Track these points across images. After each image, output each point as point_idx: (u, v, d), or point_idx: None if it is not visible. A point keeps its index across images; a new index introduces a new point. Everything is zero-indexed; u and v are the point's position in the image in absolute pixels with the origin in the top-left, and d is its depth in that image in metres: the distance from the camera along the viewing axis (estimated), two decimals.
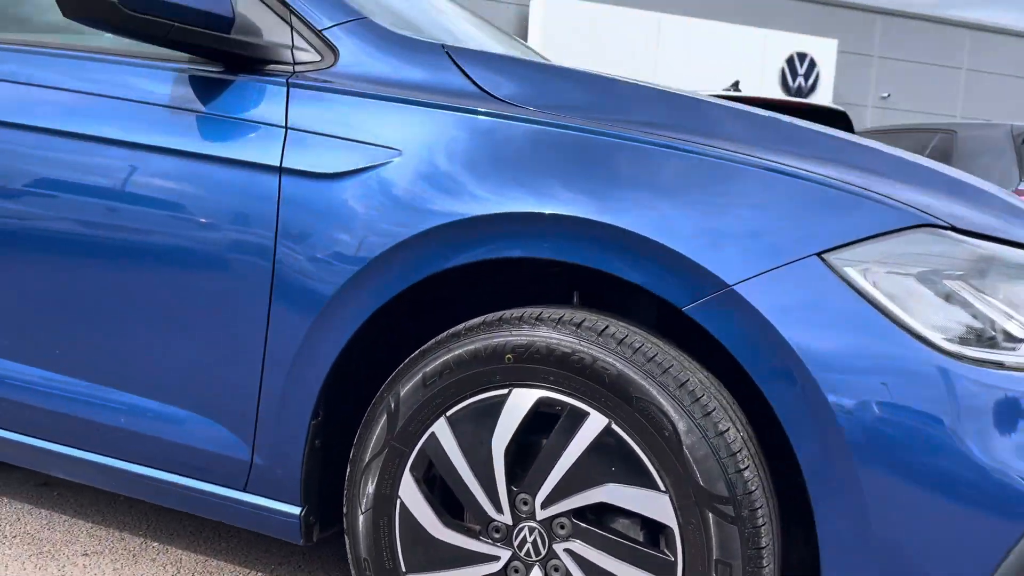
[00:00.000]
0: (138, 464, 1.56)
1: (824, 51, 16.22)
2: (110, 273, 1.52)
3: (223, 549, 1.91)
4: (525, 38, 14.84)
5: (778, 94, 15.69)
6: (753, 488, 1.17)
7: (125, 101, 1.54)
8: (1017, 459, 1.09)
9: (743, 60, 15.03)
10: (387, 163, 1.35)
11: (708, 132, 1.30)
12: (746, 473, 1.17)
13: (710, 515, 1.17)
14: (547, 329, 1.26)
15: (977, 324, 1.15)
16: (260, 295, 1.40)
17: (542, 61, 1.48)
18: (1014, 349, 1.14)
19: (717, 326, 1.18)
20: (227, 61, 1.50)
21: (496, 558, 1.31)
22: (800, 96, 15.92)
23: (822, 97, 16.21)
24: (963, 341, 1.13)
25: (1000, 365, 1.12)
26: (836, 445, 1.12)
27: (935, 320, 1.14)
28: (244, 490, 1.48)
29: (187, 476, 1.53)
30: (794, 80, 16.07)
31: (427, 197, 1.31)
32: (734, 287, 1.15)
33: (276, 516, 1.46)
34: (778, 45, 15.83)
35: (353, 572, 1.41)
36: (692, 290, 1.18)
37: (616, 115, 1.34)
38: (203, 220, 1.43)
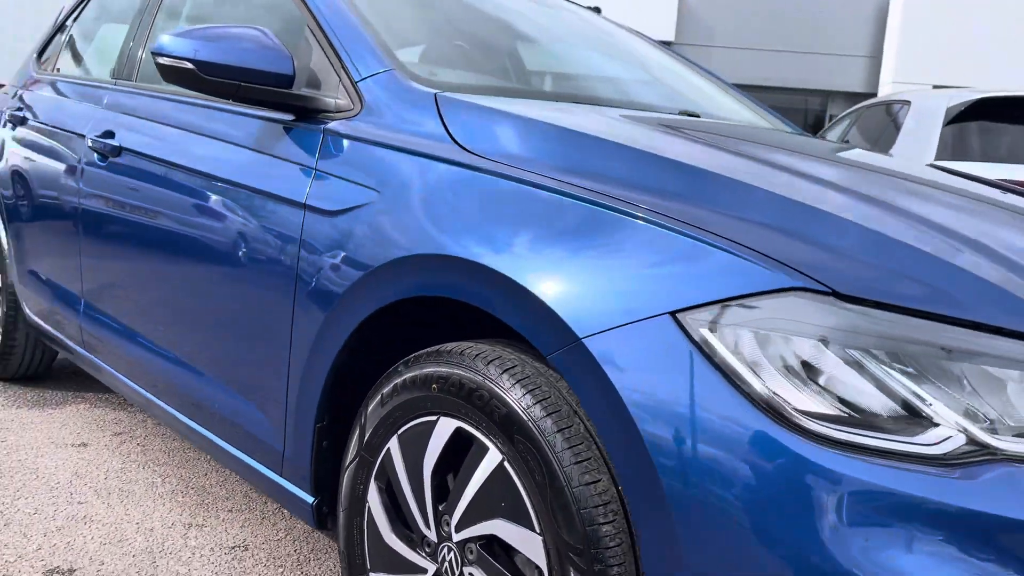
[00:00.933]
0: (223, 439, 1.91)
1: None
2: (201, 285, 1.89)
3: None
4: (883, 27, 13.68)
5: None
6: (611, 544, 1.14)
7: (231, 144, 1.90)
8: (852, 559, 0.95)
9: None
10: (368, 204, 1.51)
11: (619, 181, 1.28)
12: (605, 528, 1.15)
13: (568, 564, 1.17)
14: (465, 364, 1.33)
15: (841, 403, 1.01)
16: (287, 312, 1.65)
17: (528, 116, 1.51)
18: (878, 433, 0.99)
19: (572, 377, 1.17)
20: (293, 111, 1.77)
21: (425, 570, 1.42)
22: None
23: None
24: (820, 418, 1.00)
25: (857, 448, 0.98)
26: (660, 507, 1.07)
27: (793, 393, 1.02)
28: (280, 475, 1.75)
29: (248, 455, 1.83)
30: None
31: (382, 236, 1.46)
32: (583, 340, 1.14)
33: (297, 501, 1.70)
34: None
35: (341, 562, 1.61)
36: (553, 339, 1.19)
37: (553, 163, 1.36)
38: (261, 250, 1.72)
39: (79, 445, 2.67)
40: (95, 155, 2.38)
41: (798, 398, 1.01)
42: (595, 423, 1.16)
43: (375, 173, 1.54)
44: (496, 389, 1.27)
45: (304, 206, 1.63)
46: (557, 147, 1.41)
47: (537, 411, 1.22)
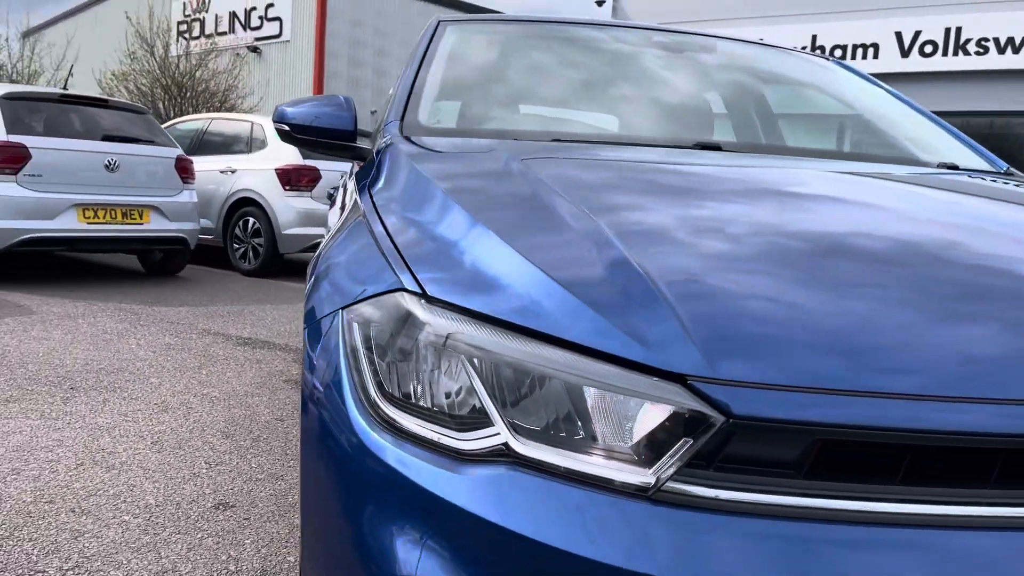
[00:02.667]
0: None
1: None
2: None
3: None
4: None
5: None
6: None
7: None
8: (366, 538, 1.02)
9: None
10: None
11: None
12: None
13: None
14: None
15: (419, 400, 1.06)
16: None
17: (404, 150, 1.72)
18: (437, 426, 1.03)
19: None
20: (361, 159, 2.20)
21: None
22: None
23: None
24: (397, 406, 1.07)
25: (413, 437, 1.03)
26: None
27: (381, 385, 1.11)
28: None
29: None
30: None
31: None
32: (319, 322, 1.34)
33: None
34: None
35: None
36: None
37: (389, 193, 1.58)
38: None
39: None
40: None
41: (382, 385, 1.10)
42: None
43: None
44: None
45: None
46: (398, 183, 1.61)
47: None
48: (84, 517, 2.41)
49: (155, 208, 7.09)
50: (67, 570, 2.10)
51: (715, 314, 1.00)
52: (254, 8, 21.40)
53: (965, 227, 1.45)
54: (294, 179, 7.91)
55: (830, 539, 0.88)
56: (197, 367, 4.33)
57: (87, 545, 2.24)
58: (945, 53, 13.16)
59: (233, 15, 21.87)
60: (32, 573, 2.08)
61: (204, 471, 2.85)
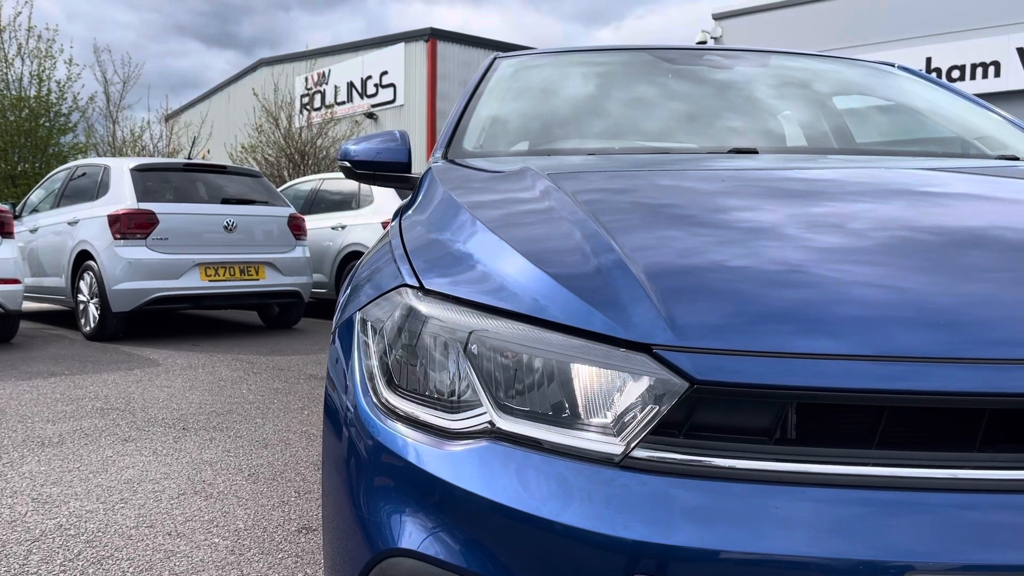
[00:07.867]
0: None
1: None
2: None
3: None
4: None
5: None
6: None
7: None
8: (382, 521, 1.08)
9: None
10: None
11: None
12: None
13: None
14: None
15: (417, 386, 1.12)
16: None
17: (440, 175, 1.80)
18: (432, 409, 1.08)
19: None
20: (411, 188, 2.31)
21: None
22: None
23: None
24: (399, 393, 1.13)
25: (409, 420, 1.09)
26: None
27: (385, 374, 1.17)
28: None
29: None
30: None
31: None
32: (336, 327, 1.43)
33: None
34: None
35: None
36: None
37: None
38: None
39: None
40: None
41: (387, 374, 1.17)
42: None
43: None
44: None
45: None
46: (422, 198, 1.69)
47: None
48: (178, 540, 2.57)
49: (270, 264, 7.52)
50: None
51: (683, 289, 1.02)
52: (370, 77, 22.48)
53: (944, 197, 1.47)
54: None
55: (799, 498, 0.88)
56: (300, 408, 4.53)
57: (177, 564, 2.38)
58: None
59: (351, 85, 23.05)
60: None
61: (293, 499, 2.98)
